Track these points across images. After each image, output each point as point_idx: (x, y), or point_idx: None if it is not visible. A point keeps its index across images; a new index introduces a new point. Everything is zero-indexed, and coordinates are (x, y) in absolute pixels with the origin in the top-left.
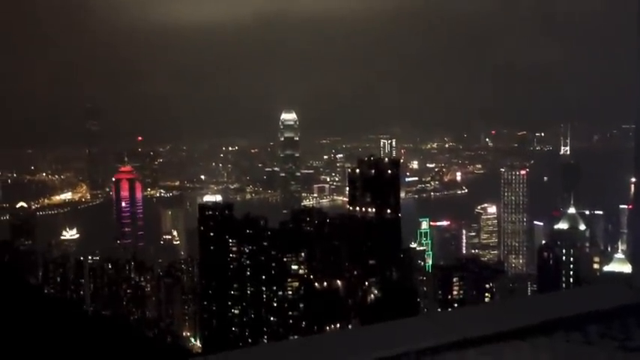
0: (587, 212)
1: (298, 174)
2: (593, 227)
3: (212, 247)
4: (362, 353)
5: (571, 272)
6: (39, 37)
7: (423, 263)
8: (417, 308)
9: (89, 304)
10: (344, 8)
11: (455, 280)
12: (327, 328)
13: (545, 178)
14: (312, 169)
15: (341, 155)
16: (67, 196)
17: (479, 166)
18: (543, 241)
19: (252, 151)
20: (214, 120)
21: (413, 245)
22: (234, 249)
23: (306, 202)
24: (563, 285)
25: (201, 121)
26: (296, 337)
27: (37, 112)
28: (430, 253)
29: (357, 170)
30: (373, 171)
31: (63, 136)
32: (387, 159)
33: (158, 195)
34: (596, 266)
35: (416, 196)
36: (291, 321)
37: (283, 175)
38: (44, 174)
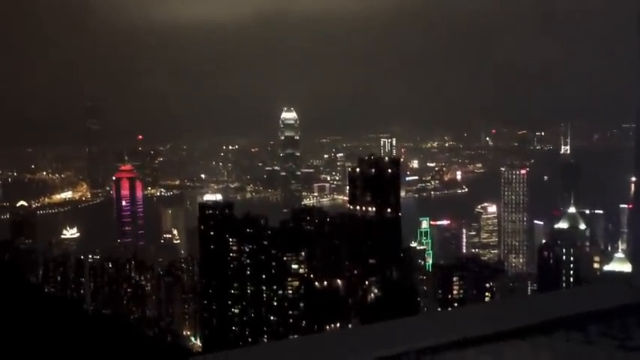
0: (587, 211)
1: (298, 173)
2: (594, 226)
3: (212, 246)
4: (362, 352)
5: (571, 272)
6: (39, 36)
7: (423, 262)
8: (417, 307)
9: (89, 303)
10: (344, 7)
11: (455, 279)
12: (328, 327)
13: (546, 178)
14: (312, 168)
15: (341, 154)
16: (67, 194)
17: (479, 165)
18: (543, 241)
19: (253, 150)
20: (214, 119)
21: (413, 244)
22: (234, 248)
23: (306, 201)
24: (564, 284)
25: (201, 120)
26: (296, 336)
27: (38, 110)
28: (430, 252)
29: (358, 169)
30: (373, 170)
31: (63, 135)
32: (387, 158)
33: (158, 194)
34: (596, 265)
35: (416, 195)
36: (291, 320)
37: (283, 174)
38: (44, 173)
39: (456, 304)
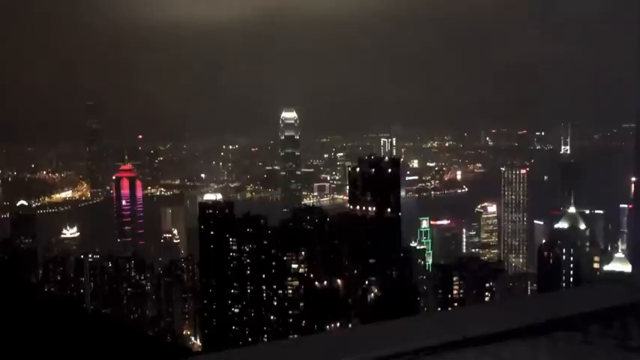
0: (587, 211)
1: (298, 172)
2: (594, 226)
3: (212, 246)
4: (362, 352)
5: (571, 271)
6: (39, 36)
7: (423, 262)
8: (416, 307)
9: (89, 303)
10: (344, 7)
11: (455, 279)
12: (327, 327)
13: (546, 177)
14: (312, 167)
15: (341, 154)
16: (67, 194)
17: (479, 165)
18: (543, 241)
19: (253, 149)
20: (215, 118)
21: (413, 244)
22: (234, 247)
23: (306, 201)
24: (563, 284)
25: (201, 120)
26: (296, 336)
27: (38, 109)
28: (430, 252)
29: (358, 169)
30: (373, 170)
31: (63, 134)
32: (387, 158)
33: (158, 193)
34: (596, 265)
35: (416, 195)
36: (291, 320)
37: (283, 173)
38: (45, 172)
39: (456, 304)
